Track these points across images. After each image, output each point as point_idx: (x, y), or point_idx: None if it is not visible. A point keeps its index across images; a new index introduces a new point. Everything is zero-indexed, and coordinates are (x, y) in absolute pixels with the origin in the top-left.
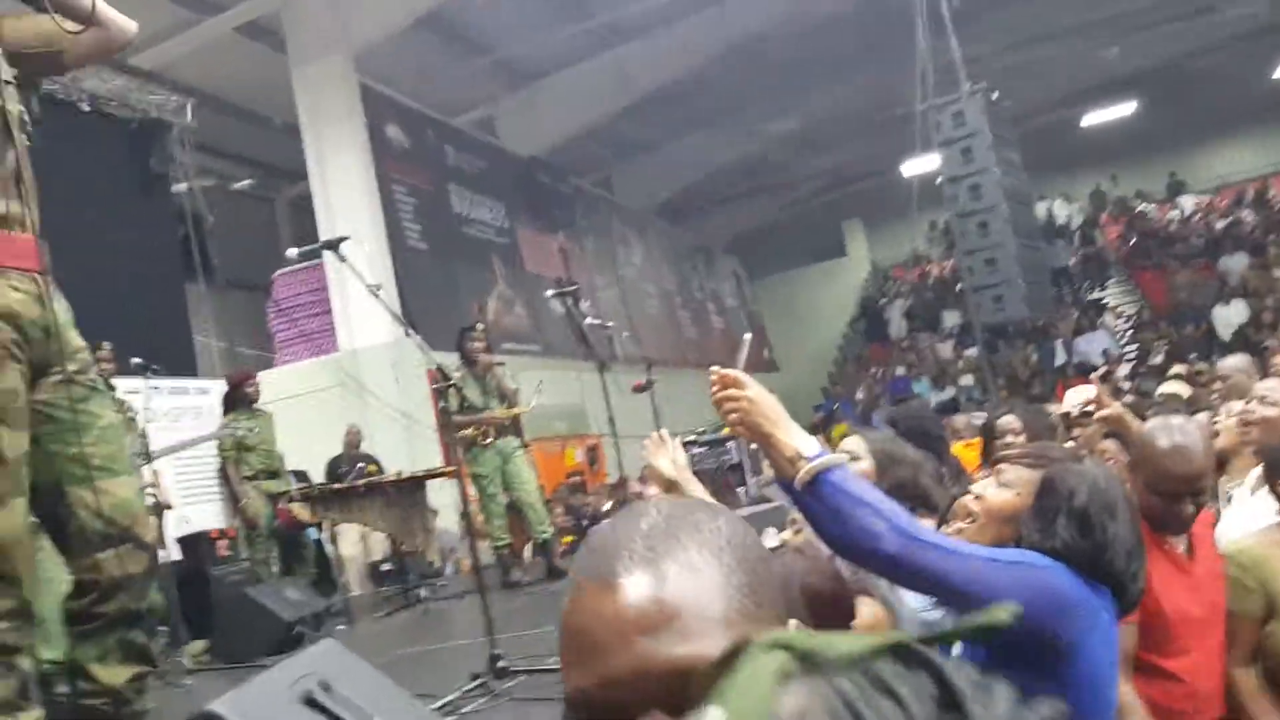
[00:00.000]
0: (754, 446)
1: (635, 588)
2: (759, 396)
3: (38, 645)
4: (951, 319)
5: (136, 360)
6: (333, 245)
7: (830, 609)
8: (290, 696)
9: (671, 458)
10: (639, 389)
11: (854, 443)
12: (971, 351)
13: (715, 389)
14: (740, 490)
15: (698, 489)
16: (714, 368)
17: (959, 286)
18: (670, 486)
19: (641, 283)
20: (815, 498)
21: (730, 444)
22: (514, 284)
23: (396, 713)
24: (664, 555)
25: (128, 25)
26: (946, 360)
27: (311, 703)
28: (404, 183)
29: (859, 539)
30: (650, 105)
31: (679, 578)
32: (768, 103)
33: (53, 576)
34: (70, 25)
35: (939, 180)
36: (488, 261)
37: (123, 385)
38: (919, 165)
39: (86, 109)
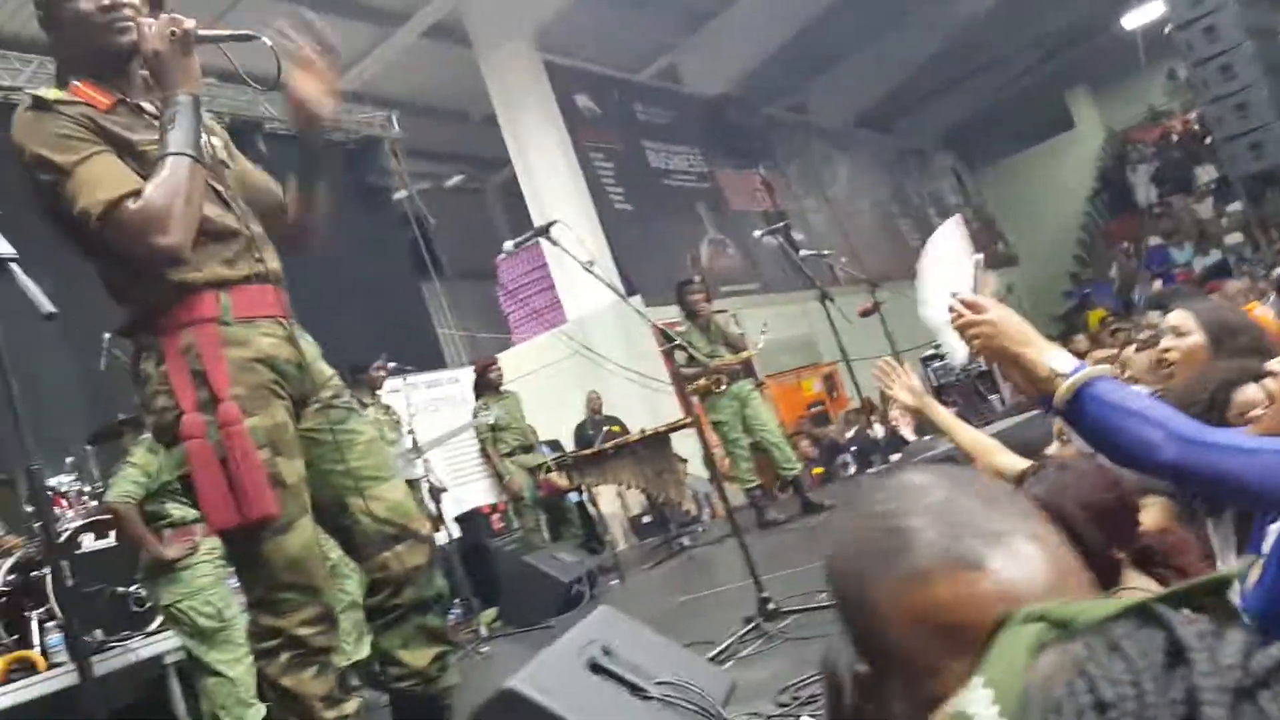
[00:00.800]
0: None
1: (1014, 567)
2: (1001, 318)
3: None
4: (1206, 175)
5: (392, 364)
6: (543, 231)
7: (1112, 519)
8: (578, 665)
9: (907, 384)
10: (866, 313)
11: (1180, 317)
12: (1234, 207)
13: (954, 317)
14: (994, 398)
15: (941, 412)
16: (951, 294)
17: (1208, 139)
18: (914, 412)
19: (852, 200)
20: (1080, 414)
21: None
22: (722, 227)
23: (675, 667)
24: (1013, 531)
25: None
26: (1206, 221)
27: (597, 668)
28: (600, 148)
29: (1135, 450)
30: (831, 17)
31: (1042, 549)
32: None
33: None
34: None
35: (1167, 28)
36: (693, 210)
37: (385, 386)
38: (1141, 15)
39: None
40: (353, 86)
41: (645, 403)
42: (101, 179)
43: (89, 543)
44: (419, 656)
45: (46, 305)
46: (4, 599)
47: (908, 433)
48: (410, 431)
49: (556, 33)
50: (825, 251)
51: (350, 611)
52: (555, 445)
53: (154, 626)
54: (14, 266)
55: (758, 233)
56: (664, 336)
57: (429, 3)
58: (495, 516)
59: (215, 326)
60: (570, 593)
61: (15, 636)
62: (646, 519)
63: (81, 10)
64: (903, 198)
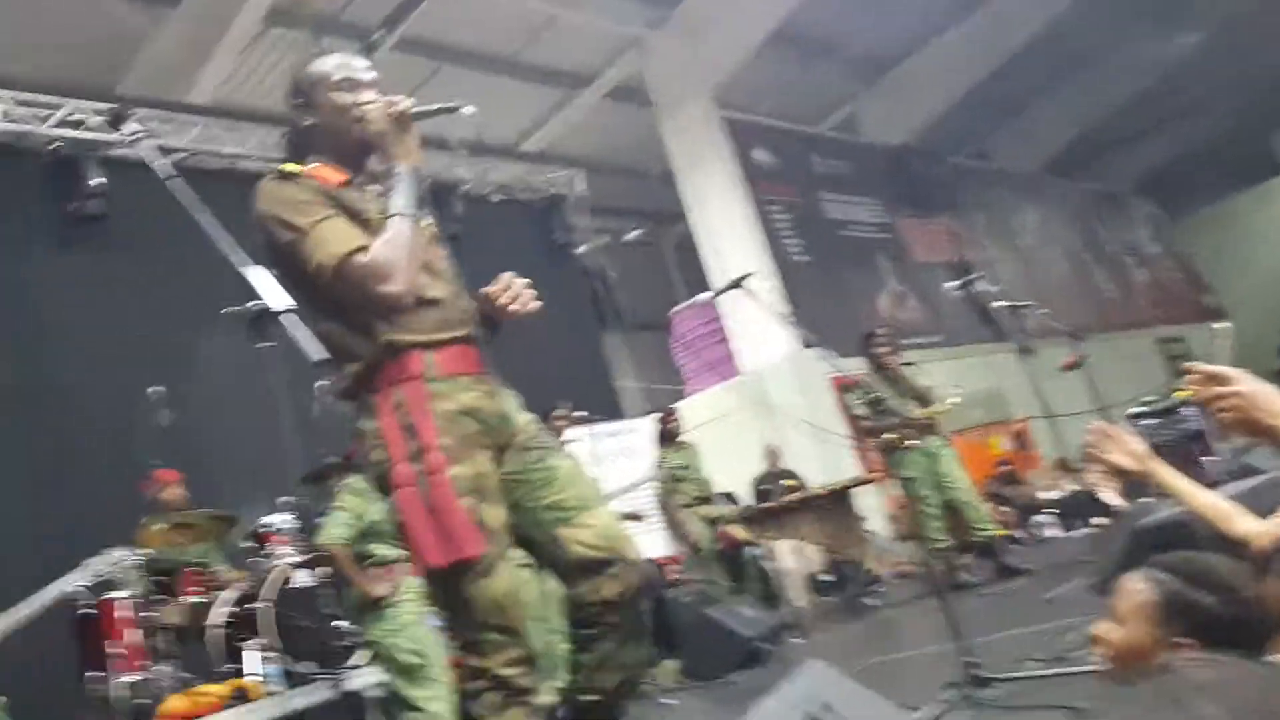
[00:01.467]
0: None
1: None
2: (1251, 389)
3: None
4: None
5: (579, 412)
6: (738, 283)
7: None
8: (796, 718)
9: (1127, 449)
10: (1070, 367)
11: None
12: None
13: (1198, 389)
14: (1205, 460)
15: (1169, 473)
16: (1190, 365)
17: None
18: (1130, 476)
19: (1043, 249)
20: None
21: (1186, 410)
22: (904, 277)
23: None
24: None
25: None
26: None
27: None
28: (777, 200)
29: None
30: (1018, 62)
31: None
32: (1153, 25)
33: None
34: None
35: None
36: (873, 261)
37: (567, 435)
38: None
39: (498, 199)
40: (539, 147)
41: (822, 457)
42: (334, 237)
43: (303, 578)
44: (608, 678)
45: (315, 353)
46: (226, 629)
47: (1109, 496)
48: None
49: (735, 89)
50: (1023, 303)
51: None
52: (730, 497)
53: (355, 661)
54: (288, 318)
55: (952, 283)
56: (863, 388)
57: (612, 66)
58: (671, 568)
59: (422, 383)
60: (752, 648)
61: (234, 665)
62: (826, 577)
63: (340, 103)
64: (1096, 246)
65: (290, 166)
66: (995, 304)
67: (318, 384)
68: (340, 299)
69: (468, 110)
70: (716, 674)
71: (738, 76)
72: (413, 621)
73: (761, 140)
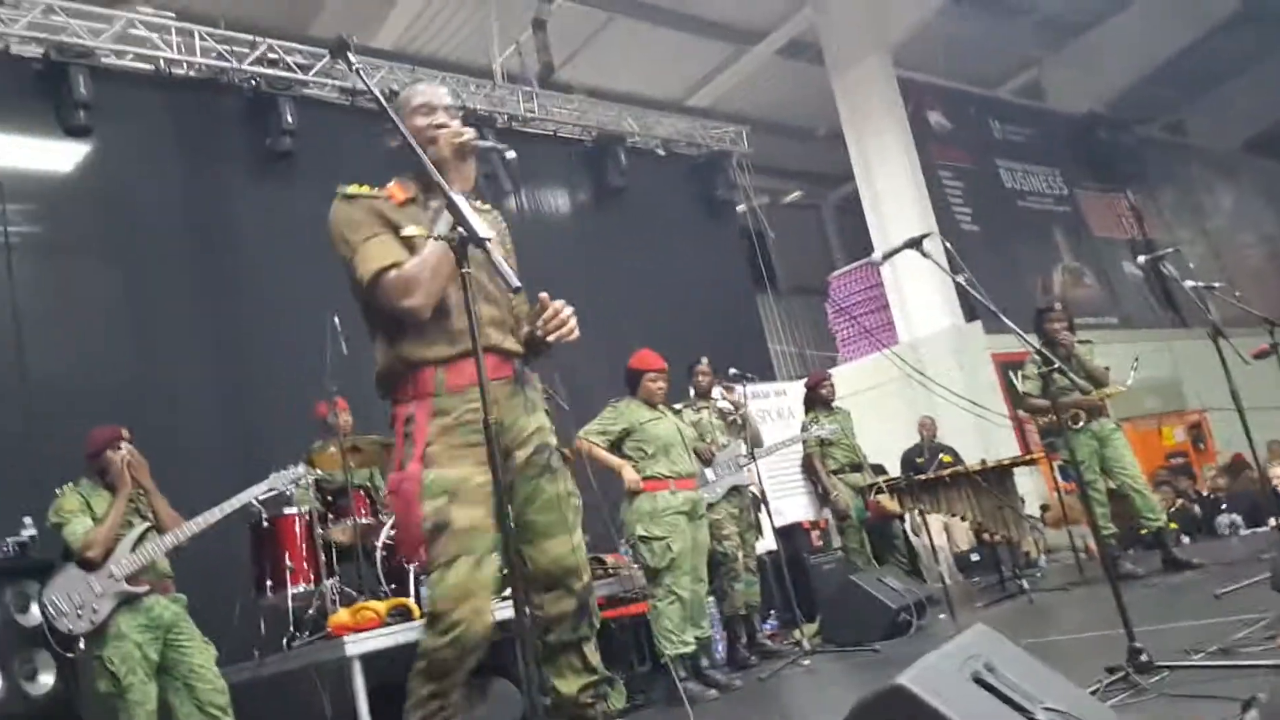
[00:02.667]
0: None
1: None
2: None
3: None
4: None
5: (734, 370)
6: (916, 243)
7: None
8: (962, 676)
9: None
10: (1261, 355)
11: None
12: None
13: None
14: None
15: None
16: None
17: None
18: None
19: (1236, 232)
20: None
21: None
22: (1080, 253)
23: (1060, 696)
24: None
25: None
26: None
27: (981, 682)
28: (949, 166)
29: None
30: (1222, 31)
31: None
32: None
33: None
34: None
35: None
36: (1048, 234)
37: (719, 391)
38: None
39: (662, 153)
40: (705, 102)
41: (979, 434)
42: (376, 254)
43: None
44: (570, 685)
45: (513, 281)
46: (385, 553)
47: None
48: (742, 432)
49: (912, 48)
50: (1215, 284)
51: None
52: (880, 469)
53: (508, 591)
54: (488, 246)
55: (1140, 258)
56: (1042, 358)
57: (786, 21)
58: (814, 533)
59: (430, 401)
60: (897, 619)
61: (393, 585)
62: (975, 556)
63: (417, 125)
64: None
65: (352, 188)
66: (1186, 284)
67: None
68: (377, 312)
69: (510, 155)
70: (857, 641)
71: (915, 35)
72: None
73: (937, 102)
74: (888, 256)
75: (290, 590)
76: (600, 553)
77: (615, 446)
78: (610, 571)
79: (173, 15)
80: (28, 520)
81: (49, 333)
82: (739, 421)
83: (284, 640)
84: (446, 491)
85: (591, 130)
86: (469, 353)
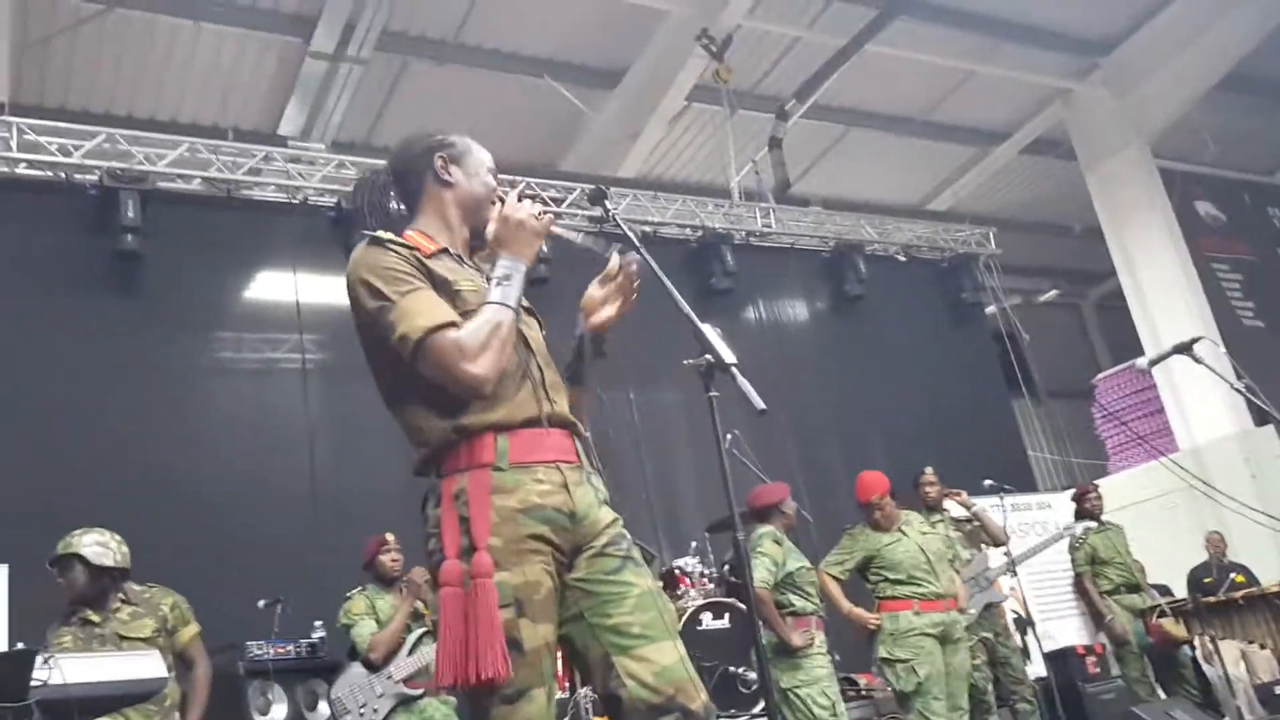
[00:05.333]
0: None
1: None
2: None
3: None
4: None
5: (989, 481)
6: (1186, 348)
7: None
8: None
9: None
10: None
11: None
12: None
13: None
14: None
15: None
16: None
17: None
18: None
19: None
20: None
21: None
22: None
23: None
24: None
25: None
26: None
27: None
28: (1225, 259)
29: None
30: None
31: None
32: None
33: None
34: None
35: None
36: None
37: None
38: None
39: (903, 259)
40: (946, 205)
41: (1277, 551)
42: (422, 309)
43: (707, 621)
44: None
45: (759, 404)
46: None
47: None
48: (995, 547)
49: (1174, 137)
50: None
51: None
52: (1164, 590)
53: (759, 709)
54: (735, 370)
55: None
56: None
57: (1032, 119)
58: (1090, 659)
59: (488, 473)
60: None
61: None
62: None
63: (484, 183)
64: None
65: (381, 234)
66: None
67: (728, 436)
68: (419, 375)
69: (612, 256)
70: None
71: (1177, 124)
72: (826, 675)
73: (1205, 192)
74: (1154, 363)
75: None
76: (851, 672)
77: (861, 574)
78: (863, 693)
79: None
80: (318, 623)
81: (336, 449)
82: (978, 532)
83: None
84: (516, 601)
85: (829, 240)
86: (533, 421)
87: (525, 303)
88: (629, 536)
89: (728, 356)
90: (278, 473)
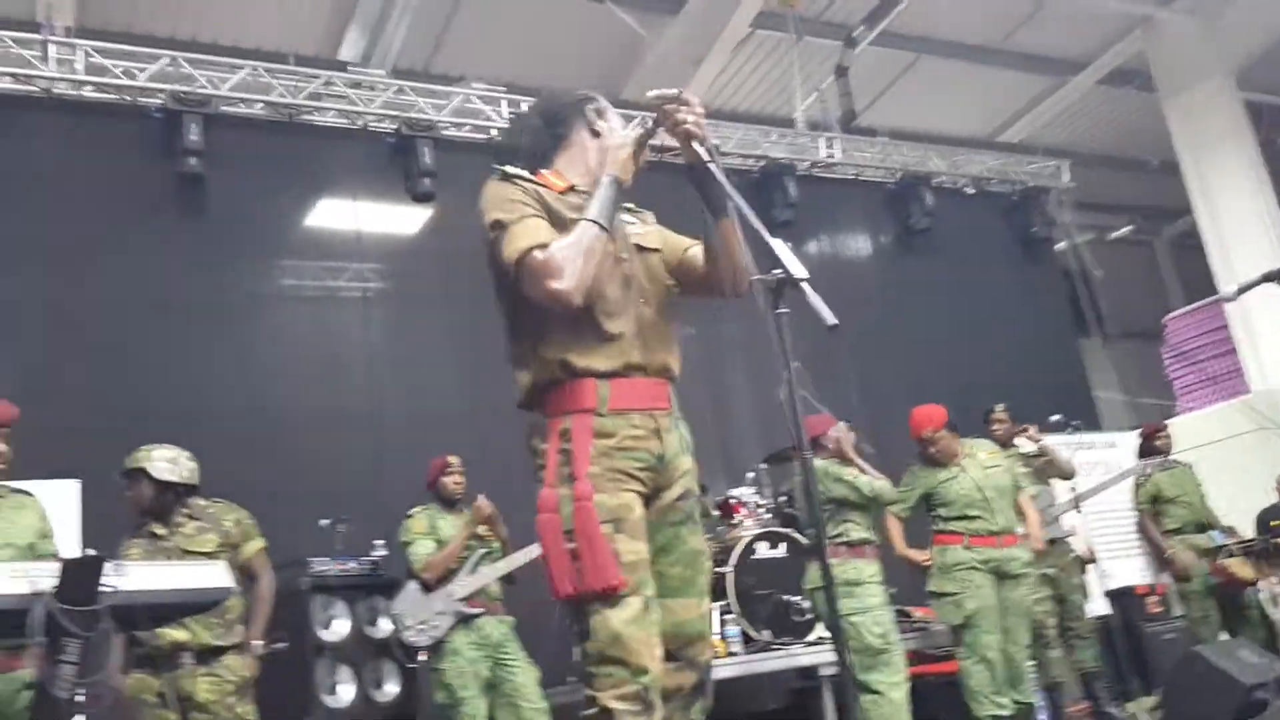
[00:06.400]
0: None
1: None
2: None
3: None
4: None
5: (1055, 417)
6: (1276, 276)
7: None
8: None
9: None
10: None
11: None
12: None
13: None
14: None
15: None
16: None
17: None
18: None
19: None
20: None
21: None
22: None
23: None
24: None
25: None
26: None
27: None
28: None
29: None
30: None
31: None
32: None
33: None
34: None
35: None
36: None
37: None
38: None
39: (971, 192)
40: (1018, 137)
41: None
42: (525, 233)
43: (763, 550)
44: None
45: (830, 318)
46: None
47: None
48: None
49: (1261, 68)
50: None
51: None
52: (1231, 531)
53: (813, 637)
54: (805, 285)
55: None
56: None
57: (1110, 49)
58: (1152, 599)
59: (591, 417)
60: (1251, 697)
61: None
62: None
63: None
64: None
65: (511, 169)
66: None
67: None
68: (531, 307)
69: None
70: (1202, 718)
71: (1265, 54)
72: (879, 604)
73: None
74: (1243, 290)
75: None
76: (907, 605)
77: (926, 511)
78: (917, 626)
79: (503, 89)
80: (379, 542)
81: (397, 375)
82: (1046, 467)
83: None
84: (614, 520)
85: (895, 171)
86: (632, 369)
87: (639, 241)
88: (695, 493)
89: (799, 271)
90: (340, 397)
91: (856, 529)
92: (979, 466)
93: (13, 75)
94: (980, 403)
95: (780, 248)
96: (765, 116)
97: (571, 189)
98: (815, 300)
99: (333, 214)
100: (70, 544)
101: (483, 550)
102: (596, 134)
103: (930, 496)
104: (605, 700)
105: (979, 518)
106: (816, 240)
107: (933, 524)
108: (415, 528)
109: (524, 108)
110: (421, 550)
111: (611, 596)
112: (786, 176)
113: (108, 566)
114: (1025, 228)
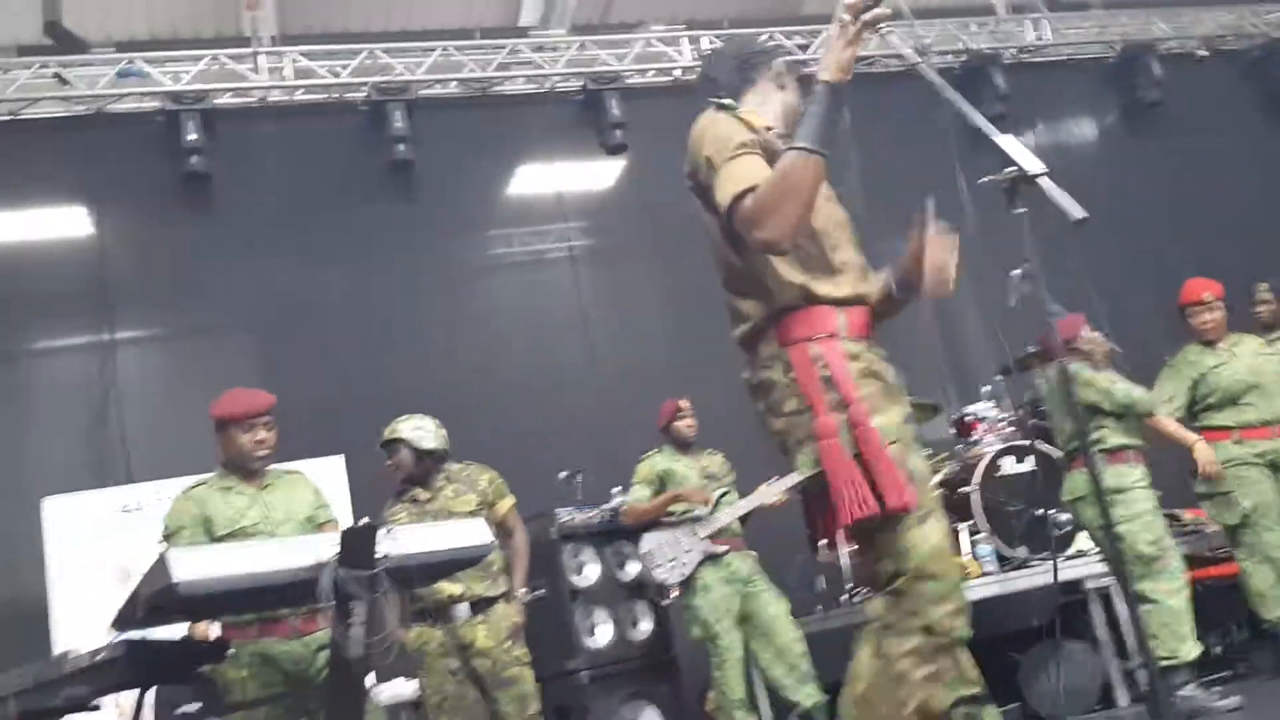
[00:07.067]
0: None
1: None
2: None
3: None
4: None
5: None
6: None
7: None
8: None
9: None
10: None
11: None
12: None
13: None
14: None
15: None
16: None
17: None
18: None
19: None
20: None
21: None
22: None
23: None
24: None
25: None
26: None
27: None
28: None
29: None
30: None
31: None
32: None
33: None
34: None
35: None
36: None
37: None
38: None
39: (1203, 53)
40: None
41: None
42: (738, 175)
43: (1008, 466)
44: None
45: (1077, 211)
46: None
47: None
48: None
49: None
50: None
51: None
52: None
53: (1074, 550)
54: (1044, 180)
55: None
56: None
57: None
58: None
59: (838, 341)
60: None
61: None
62: None
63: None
64: None
65: (729, 101)
66: None
67: (1012, 273)
68: (737, 239)
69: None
70: None
71: None
72: (1150, 510)
73: None
74: None
75: (844, 548)
76: (1175, 508)
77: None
78: (1190, 529)
79: (683, 26)
80: (615, 490)
81: (610, 326)
82: None
83: (841, 596)
84: (898, 438)
85: (1114, 45)
86: (859, 298)
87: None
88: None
89: (1034, 166)
90: (559, 354)
91: (1113, 434)
92: (1250, 352)
93: (233, 90)
94: (1233, 289)
95: (1011, 144)
96: (962, 7)
97: (769, 129)
98: (1058, 194)
99: (532, 179)
100: (343, 515)
101: (721, 490)
102: (782, 86)
103: (1198, 385)
104: (936, 619)
105: (1251, 405)
106: (1033, 132)
107: (1196, 419)
108: (641, 472)
109: (704, 43)
110: (633, 495)
111: (915, 513)
112: (992, 68)
113: (380, 532)
114: (1272, 86)
